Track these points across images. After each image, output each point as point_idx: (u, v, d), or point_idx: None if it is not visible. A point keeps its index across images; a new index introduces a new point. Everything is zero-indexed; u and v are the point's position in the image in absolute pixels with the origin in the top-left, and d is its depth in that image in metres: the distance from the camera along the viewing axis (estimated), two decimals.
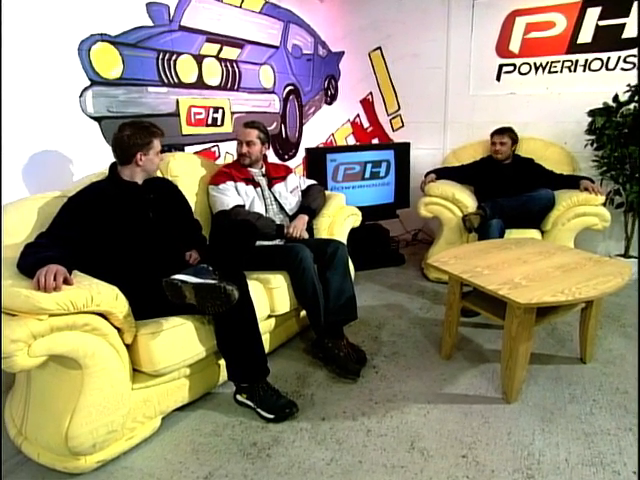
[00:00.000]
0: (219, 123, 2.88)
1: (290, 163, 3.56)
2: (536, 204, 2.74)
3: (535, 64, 3.28)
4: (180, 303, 1.53)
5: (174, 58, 2.50)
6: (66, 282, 1.33)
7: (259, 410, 1.72)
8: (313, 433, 1.64)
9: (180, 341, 1.60)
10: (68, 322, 1.30)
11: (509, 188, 2.83)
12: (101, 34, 2.10)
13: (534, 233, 2.75)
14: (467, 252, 2.14)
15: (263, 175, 2.41)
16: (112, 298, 1.40)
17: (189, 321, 1.64)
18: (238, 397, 1.79)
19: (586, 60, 3.10)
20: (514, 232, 2.72)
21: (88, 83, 2.08)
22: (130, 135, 1.74)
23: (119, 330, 1.47)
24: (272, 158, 3.36)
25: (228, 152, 2.96)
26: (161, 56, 2.42)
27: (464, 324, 2.35)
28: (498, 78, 3.43)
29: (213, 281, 1.52)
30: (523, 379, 1.80)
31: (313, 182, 2.63)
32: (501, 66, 3.39)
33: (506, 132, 2.97)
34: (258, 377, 1.76)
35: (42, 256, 1.38)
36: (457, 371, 2.00)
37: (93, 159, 2.08)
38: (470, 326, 2.39)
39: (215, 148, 2.89)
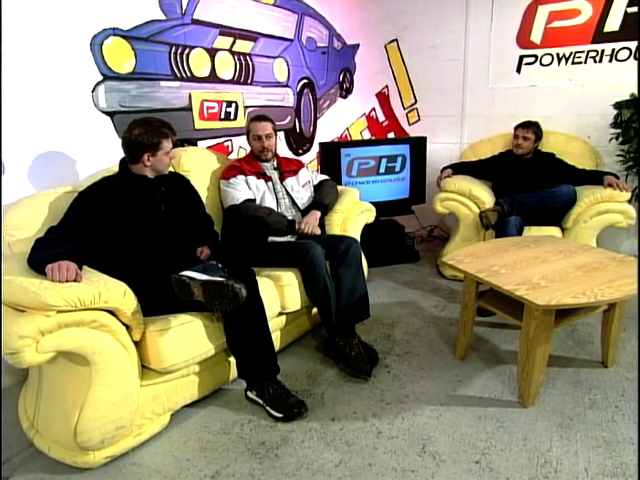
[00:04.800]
0: (232, 117, 2.86)
1: (304, 158, 3.52)
2: (557, 201, 2.65)
3: (558, 55, 3.15)
4: (188, 300, 1.52)
5: (187, 52, 2.48)
6: (75, 279, 1.33)
7: (268, 408, 1.70)
8: (322, 433, 1.61)
9: (189, 339, 1.59)
10: (76, 319, 1.30)
11: (529, 184, 2.75)
12: (113, 28, 2.10)
13: (554, 231, 2.66)
14: (484, 250, 2.08)
15: (275, 168, 2.38)
16: (120, 295, 1.40)
17: (198, 318, 1.63)
18: (249, 394, 1.78)
19: (613, 50, 2.97)
20: (533, 229, 2.64)
21: (100, 78, 2.08)
22: (138, 135, 1.70)
23: (127, 327, 1.47)
24: (286, 152, 3.33)
25: (241, 147, 2.94)
26: (173, 50, 2.40)
27: (479, 323, 2.29)
28: (518, 70, 3.31)
29: (221, 279, 1.50)
30: (541, 382, 1.74)
31: (325, 177, 2.59)
32: (522, 57, 3.28)
33: (531, 127, 2.86)
34: (268, 375, 1.74)
35: (52, 252, 1.39)
36: (472, 372, 1.95)
37: (105, 154, 2.08)
38: (486, 326, 2.33)
39: (228, 142, 2.87)
